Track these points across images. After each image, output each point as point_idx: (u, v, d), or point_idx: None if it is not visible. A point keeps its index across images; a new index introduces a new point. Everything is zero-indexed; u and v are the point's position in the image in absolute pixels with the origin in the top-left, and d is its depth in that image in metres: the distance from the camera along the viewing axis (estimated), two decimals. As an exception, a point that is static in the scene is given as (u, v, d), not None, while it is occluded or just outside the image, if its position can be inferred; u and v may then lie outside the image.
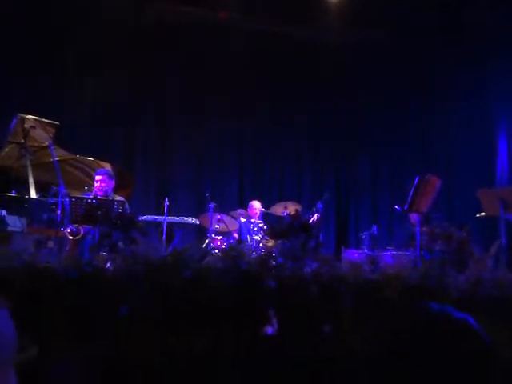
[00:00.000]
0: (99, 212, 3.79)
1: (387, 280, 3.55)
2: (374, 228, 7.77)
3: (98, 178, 6.06)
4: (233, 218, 7.93)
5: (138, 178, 8.58)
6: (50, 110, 7.80)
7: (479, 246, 4.68)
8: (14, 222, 5.32)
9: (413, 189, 5.85)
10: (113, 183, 6.14)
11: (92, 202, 4.97)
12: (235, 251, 3.29)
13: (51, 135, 5.88)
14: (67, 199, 5.18)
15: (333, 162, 9.91)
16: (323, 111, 9.83)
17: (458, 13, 8.71)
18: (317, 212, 7.39)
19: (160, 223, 7.12)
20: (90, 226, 5.11)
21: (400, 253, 6.76)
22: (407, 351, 1.12)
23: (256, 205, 8.11)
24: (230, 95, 9.35)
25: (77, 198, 5.25)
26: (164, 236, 6.93)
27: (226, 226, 7.65)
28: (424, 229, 5.15)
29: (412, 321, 1.15)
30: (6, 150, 5.90)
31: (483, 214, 6.39)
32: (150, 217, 7.25)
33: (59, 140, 6.20)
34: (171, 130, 9.31)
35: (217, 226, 7.58)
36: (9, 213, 5.32)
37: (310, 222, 6.80)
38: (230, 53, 9.27)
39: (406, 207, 5.92)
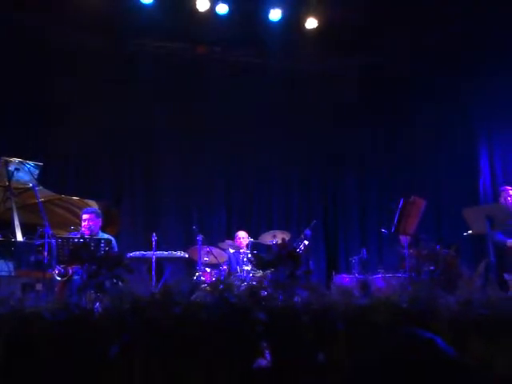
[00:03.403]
0: (86, 251, 3.76)
1: (377, 305, 3.55)
2: (364, 252, 7.79)
3: (85, 217, 6.05)
4: (221, 249, 7.91)
5: (125, 215, 8.57)
6: (34, 150, 7.86)
7: (468, 265, 4.70)
8: (1, 267, 5.26)
9: (398, 211, 5.90)
10: (100, 222, 6.14)
11: (78, 242, 4.94)
12: (223, 284, 3.28)
13: (35, 176, 5.86)
14: (53, 240, 5.14)
15: (320, 187, 9.97)
16: (309, 138, 9.90)
17: (440, 38, 8.91)
18: (305, 239, 7.39)
19: (149, 259, 7.09)
20: (78, 266, 5.07)
21: (390, 275, 6.78)
22: (381, 372, 1.13)
23: (241, 235, 8.11)
24: (217, 126, 9.43)
25: (63, 238, 5.22)
26: (153, 271, 6.90)
27: (215, 257, 7.63)
28: (411, 250, 5.17)
29: (384, 344, 1.17)
30: (-10, 194, 5.88)
31: (470, 232, 6.43)
32: (138, 253, 7.23)
33: (44, 180, 6.20)
34: (157, 163, 9.34)
35: (206, 259, 7.55)
36: (-5, 257, 5.27)
37: (298, 249, 6.81)
38: (215, 85, 9.40)
39: (392, 230, 5.96)
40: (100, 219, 6.15)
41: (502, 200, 6.89)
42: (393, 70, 9.43)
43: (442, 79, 9.44)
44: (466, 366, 1.16)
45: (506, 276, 6.34)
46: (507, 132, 9.15)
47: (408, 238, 6.25)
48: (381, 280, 6.72)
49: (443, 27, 8.76)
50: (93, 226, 6.01)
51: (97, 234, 6.02)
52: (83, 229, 5.98)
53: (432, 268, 4.13)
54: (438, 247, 4.47)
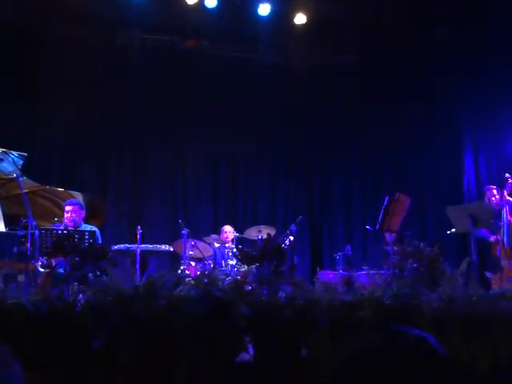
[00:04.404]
0: (69, 243, 3.73)
1: (361, 301, 3.57)
2: (348, 248, 7.83)
3: (68, 208, 5.98)
4: (207, 243, 7.89)
5: (111, 207, 8.52)
6: (20, 141, 7.78)
7: (451, 262, 4.74)
8: (-17, 257, 5.21)
9: (383, 209, 5.93)
10: (83, 213, 6.07)
11: (62, 234, 4.89)
12: (207, 278, 3.27)
13: (19, 167, 5.80)
14: (37, 231, 5.09)
15: (306, 183, 9.99)
16: (296, 135, 9.92)
17: (426, 38, 8.98)
18: (291, 235, 7.41)
19: (133, 252, 7.05)
20: (61, 258, 5.02)
21: (374, 272, 6.80)
22: (370, 370, 1.12)
23: (227, 229, 8.10)
24: (204, 120, 9.41)
25: (46, 229, 5.17)
26: (138, 265, 6.87)
27: (200, 251, 7.61)
28: (395, 247, 5.20)
29: (374, 340, 1.16)
30: (-26, 184, 5.81)
31: (454, 230, 6.48)
32: (123, 246, 7.19)
33: (29, 171, 6.14)
34: (143, 156, 9.28)
35: (191, 253, 7.53)
36: (-23, 248, 5.22)
37: (284, 245, 6.82)
38: (203, 79, 9.37)
39: (377, 227, 5.99)
40: (83, 211, 6.08)
41: (486, 200, 6.94)
42: (380, 68, 9.46)
43: (430, 80, 9.51)
44: (458, 367, 1.15)
45: (488, 274, 6.42)
46: (492, 132, 9.24)
47: (392, 235, 6.29)
48: (365, 276, 6.74)
49: (432, 29, 8.83)
50: (76, 218, 5.94)
51: (80, 225, 5.97)
52: (66, 220, 5.91)
53: (415, 265, 4.15)
54: (421, 245, 4.50)
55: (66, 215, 5.96)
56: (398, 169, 9.93)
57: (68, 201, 6.10)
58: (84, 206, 6.10)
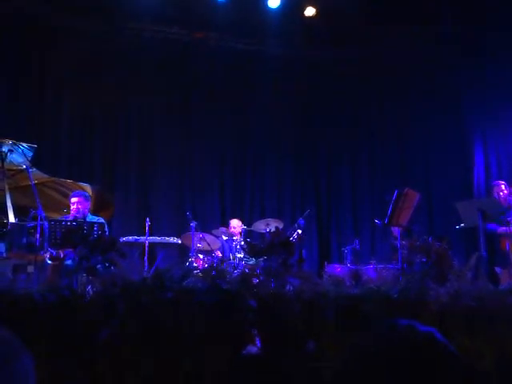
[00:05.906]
0: (78, 235, 3.75)
1: (368, 295, 3.57)
2: (356, 242, 7.81)
3: (73, 200, 5.98)
4: (215, 236, 7.91)
5: (119, 199, 8.54)
6: (29, 132, 7.82)
7: (460, 257, 4.73)
8: (-7, 248, 5.23)
9: (392, 203, 5.90)
10: (89, 204, 6.06)
11: (71, 225, 4.91)
12: (215, 271, 3.28)
13: (29, 158, 5.82)
14: (46, 222, 5.11)
15: (313, 177, 9.96)
16: (304, 128, 9.89)
17: (433, 33, 8.92)
18: (299, 228, 7.40)
19: (142, 244, 7.07)
20: (71, 249, 5.04)
21: (382, 266, 6.79)
22: (376, 367, 1.12)
23: (234, 223, 8.10)
24: (211, 113, 9.39)
25: (56, 221, 5.19)
26: (146, 257, 6.88)
27: (208, 244, 7.61)
28: (404, 242, 5.19)
29: (379, 336, 1.15)
30: (-17, 175, 5.82)
31: (462, 225, 6.46)
32: (131, 238, 7.20)
33: (38, 162, 6.15)
34: (152, 148, 9.28)
35: (199, 245, 7.54)
36: (-13, 239, 5.24)
37: (292, 238, 6.81)
38: (210, 72, 9.34)
39: (385, 221, 5.97)
40: (89, 202, 6.07)
41: (494, 194, 6.90)
42: (389, 62, 9.41)
43: (437, 73, 9.45)
44: (465, 362, 1.15)
45: (497, 269, 6.39)
46: (501, 126, 9.17)
47: (401, 229, 6.26)
48: (373, 271, 6.73)
49: (441, 24, 8.77)
50: (82, 209, 5.94)
51: (86, 216, 5.97)
52: (72, 212, 5.92)
53: (424, 260, 4.14)
54: (430, 239, 4.48)
55: (71, 207, 5.95)
56: (407, 163, 9.89)
57: (73, 193, 6.10)
58: (89, 197, 6.10)
